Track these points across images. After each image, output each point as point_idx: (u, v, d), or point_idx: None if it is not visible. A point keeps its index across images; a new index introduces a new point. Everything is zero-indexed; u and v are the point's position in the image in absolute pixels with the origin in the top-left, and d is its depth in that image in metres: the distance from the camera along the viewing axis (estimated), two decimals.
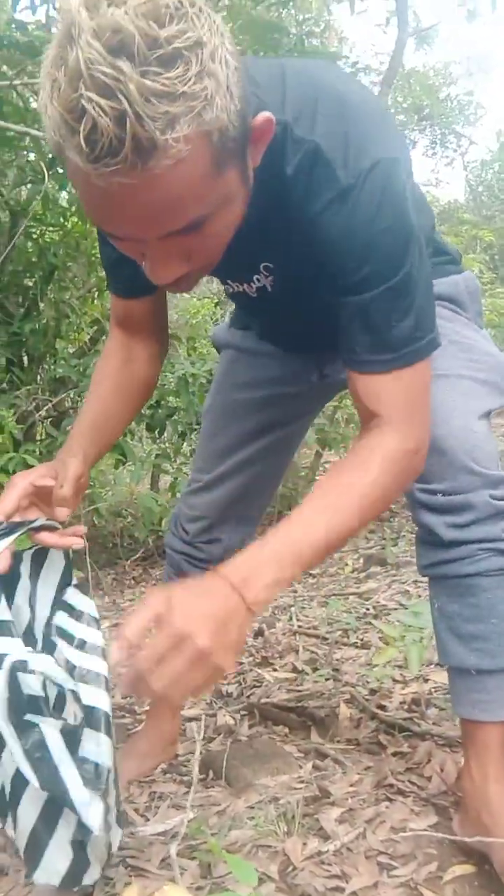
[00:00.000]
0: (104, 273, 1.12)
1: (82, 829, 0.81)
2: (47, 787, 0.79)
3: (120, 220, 0.67)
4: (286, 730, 1.47)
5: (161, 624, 0.71)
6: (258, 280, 0.96)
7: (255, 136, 0.71)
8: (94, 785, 0.80)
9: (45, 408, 3.18)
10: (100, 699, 0.85)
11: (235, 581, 0.74)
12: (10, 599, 0.92)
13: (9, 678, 0.81)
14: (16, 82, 2.53)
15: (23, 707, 0.81)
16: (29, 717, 0.81)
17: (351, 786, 1.20)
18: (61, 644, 0.89)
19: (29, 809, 0.85)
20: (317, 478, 3.73)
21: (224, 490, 1.29)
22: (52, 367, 3.41)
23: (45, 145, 3.05)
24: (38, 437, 3.30)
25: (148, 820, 1.13)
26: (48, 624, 0.95)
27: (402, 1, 5.13)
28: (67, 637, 0.90)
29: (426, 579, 1.04)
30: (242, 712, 1.56)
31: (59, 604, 0.95)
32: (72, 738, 0.83)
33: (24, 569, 0.95)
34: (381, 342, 0.83)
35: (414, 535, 1.06)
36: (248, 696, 1.66)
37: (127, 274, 0.98)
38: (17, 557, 0.92)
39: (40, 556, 0.96)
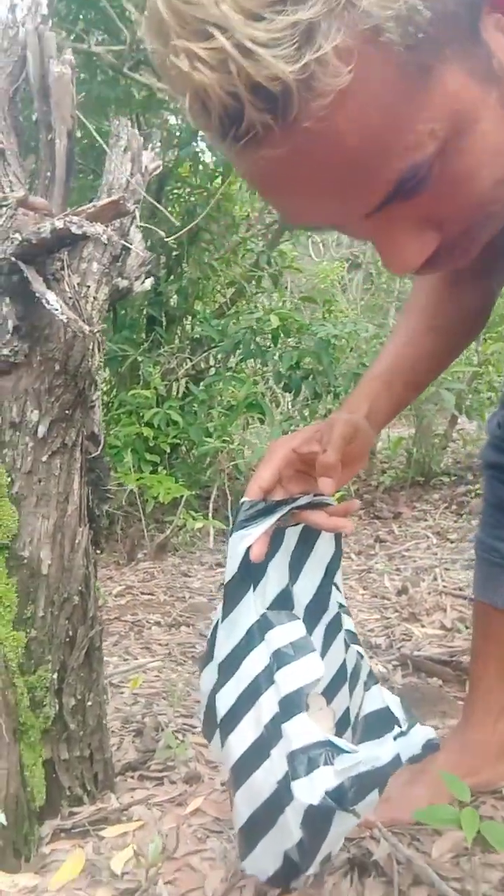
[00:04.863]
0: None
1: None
2: None
3: (299, 208, 0.47)
4: (440, 682, 1.49)
5: None
6: None
7: None
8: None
9: (185, 367, 3.29)
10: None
11: None
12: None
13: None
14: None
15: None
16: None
17: None
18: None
19: (244, 802, 0.77)
20: (449, 445, 3.68)
21: None
22: (191, 326, 3.51)
23: None
24: (176, 394, 3.42)
25: None
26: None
27: None
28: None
29: None
30: (395, 663, 1.59)
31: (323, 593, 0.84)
32: None
33: (284, 551, 0.81)
34: None
35: None
36: (398, 648, 1.70)
37: None
38: (277, 537, 0.79)
39: (310, 535, 0.82)
